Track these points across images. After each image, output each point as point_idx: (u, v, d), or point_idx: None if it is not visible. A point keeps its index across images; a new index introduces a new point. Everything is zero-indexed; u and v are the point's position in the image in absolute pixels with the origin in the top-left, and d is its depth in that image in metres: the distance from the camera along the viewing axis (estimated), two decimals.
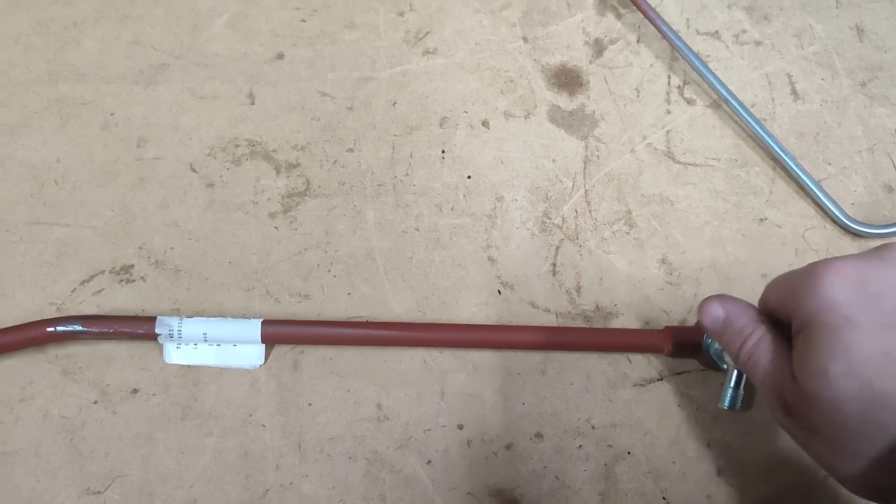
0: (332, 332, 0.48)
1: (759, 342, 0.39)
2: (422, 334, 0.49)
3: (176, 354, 0.48)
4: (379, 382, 0.49)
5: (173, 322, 0.47)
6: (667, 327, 0.49)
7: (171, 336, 0.47)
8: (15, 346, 0.47)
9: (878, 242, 0.54)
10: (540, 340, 0.48)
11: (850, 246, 0.55)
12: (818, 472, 0.47)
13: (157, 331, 0.47)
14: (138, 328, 0.47)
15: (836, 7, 0.67)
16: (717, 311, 0.41)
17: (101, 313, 0.50)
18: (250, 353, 0.48)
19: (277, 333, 0.48)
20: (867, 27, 0.66)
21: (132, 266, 0.52)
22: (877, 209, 0.57)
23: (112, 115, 0.57)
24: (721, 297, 0.42)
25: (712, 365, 0.47)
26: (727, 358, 0.43)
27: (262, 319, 0.48)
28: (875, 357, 0.32)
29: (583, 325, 0.51)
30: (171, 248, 0.53)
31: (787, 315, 0.38)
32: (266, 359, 0.49)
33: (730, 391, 0.43)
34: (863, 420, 0.33)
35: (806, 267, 0.36)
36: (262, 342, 0.48)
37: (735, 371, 0.43)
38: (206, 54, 0.61)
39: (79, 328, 0.46)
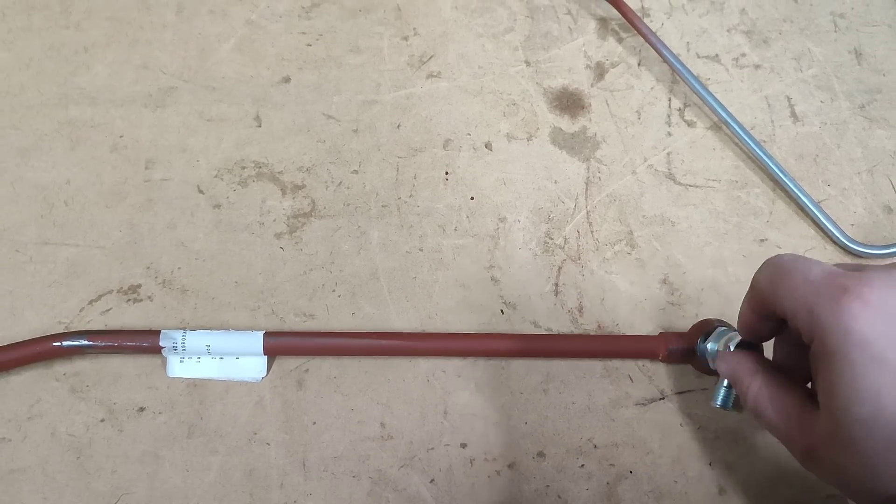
0: (332, 343, 0.49)
1: (758, 394, 0.39)
2: (420, 343, 0.49)
3: (179, 368, 0.48)
4: (383, 401, 0.49)
5: (177, 335, 0.48)
6: (662, 333, 0.50)
7: (174, 349, 0.48)
8: (23, 360, 0.47)
9: (877, 263, 0.54)
10: (536, 348, 0.49)
11: None
12: (821, 492, 0.47)
13: (161, 343, 0.47)
14: (143, 341, 0.47)
15: (835, 31, 0.68)
16: (721, 367, 0.43)
17: None
18: (253, 366, 0.49)
19: (279, 345, 0.48)
20: (865, 50, 0.67)
21: (139, 286, 0.53)
22: (876, 230, 0.57)
23: (121, 137, 0.58)
24: (725, 354, 0.43)
25: (706, 370, 0.48)
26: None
27: (264, 331, 0.48)
28: None
29: None
30: (178, 268, 0.54)
31: (798, 325, 0.36)
32: (268, 371, 0.49)
33: (722, 390, 0.44)
34: (892, 464, 0.32)
35: (827, 283, 0.34)
36: (265, 354, 0.48)
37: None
38: (214, 78, 0.62)
39: (84, 343, 0.47)
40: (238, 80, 0.62)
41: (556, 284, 0.54)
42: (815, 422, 0.35)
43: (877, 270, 0.34)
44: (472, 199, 0.58)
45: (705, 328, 0.48)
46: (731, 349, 0.44)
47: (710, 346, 0.46)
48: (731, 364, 0.42)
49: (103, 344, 0.48)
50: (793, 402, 0.37)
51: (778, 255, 0.39)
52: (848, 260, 0.56)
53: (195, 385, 0.49)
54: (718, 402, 0.44)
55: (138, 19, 0.65)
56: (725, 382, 0.44)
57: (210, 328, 0.51)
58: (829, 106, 0.63)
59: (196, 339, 0.48)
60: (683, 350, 0.48)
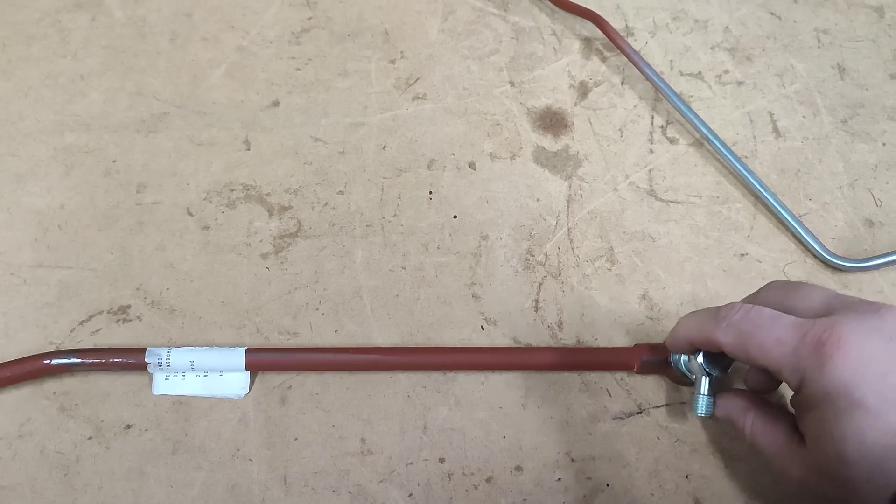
0: (311, 358, 0.50)
1: (753, 429, 0.43)
2: (398, 358, 0.50)
3: (165, 385, 0.50)
4: (363, 417, 0.50)
5: (162, 352, 0.49)
6: (636, 345, 0.50)
7: (160, 365, 0.49)
8: (13, 379, 0.49)
9: (858, 276, 0.55)
10: (510, 360, 0.50)
11: (830, 280, 0.56)
12: None
13: (146, 360, 0.49)
14: (129, 358, 0.49)
15: (818, 47, 0.68)
16: (718, 410, 0.46)
17: None
18: (236, 382, 0.50)
19: (260, 361, 0.50)
20: (848, 65, 0.67)
21: (129, 306, 0.54)
22: (857, 243, 0.58)
23: (114, 162, 0.60)
24: (719, 399, 0.46)
25: (681, 380, 0.48)
26: (693, 368, 0.46)
27: (246, 347, 0.50)
28: (885, 437, 0.34)
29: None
30: (167, 289, 0.55)
31: (781, 377, 0.39)
32: (251, 387, 0.50)
33: (702, 398, 0.46)
34: (877, 497, 0.35)
35: (802, 340, 0.37)
36: (247, 370, 0.49)
37: (705, 378, 0.45)
38: (205, 103, 0.64)
39: (73, 360, 0.49)
40: (228, 105, 0.64)
41: (537, 300, 0.55)
42: (803, 456, 0.39)
43: (846, 316, 0.37)
44: (454, 217, 0.59)
45: None
46: (706, 373, 0.45)
47: (683, 357, 0.47)
48: (724, 406, 0.45)
49: (91, 361, 0.49)
50: (780, 436, 0.41)
51: (727, 312, 0.41)
52: (828, 273, 0.56)
53: (180, 402, 0.51)
54: (700, 411, 0.45)
55: (133, 47, 0.67)
56: (703, 390, 0.45)
57: (202, 345, 0.52)
58: (812, 121, 0.64)
59: (180, 356, 0.49)
60: (657, 362, 0.49)
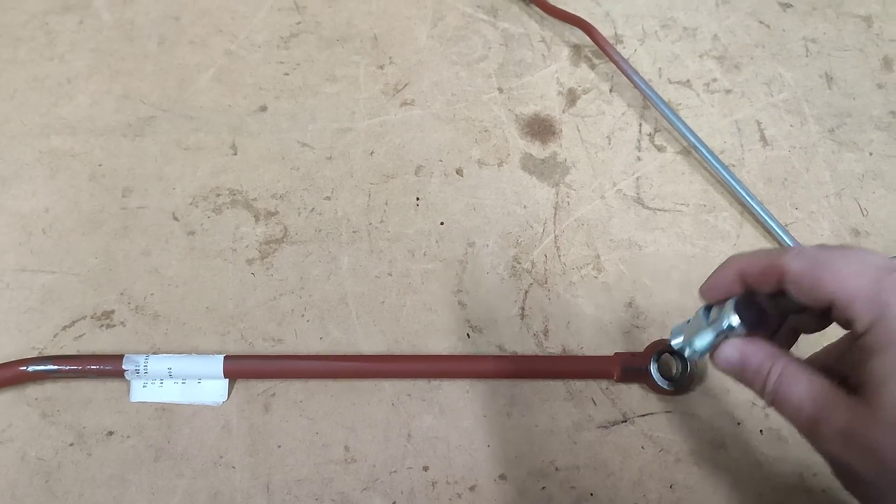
0: (291, 366, 0.50)
1: (781, 376, 0.37)
2: (381, 366, 0.50)
3: (142, 392, 0.49)
4: (347, 425, 0.50)
5: (140, 359, 0.49)
6: (616, 353, 0.51)
7: (137, 372, 0.49)
8: None
9: None
10: (492, 368, 0.50)
11: None
12: None
13: (124, 367, 0.49)
14: (106, 365, 0.49)
15: (807, 56, 0.69)
16: (730, 354, 0.39)
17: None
18: (214, 389, 0.50)
19: (239, 368, 0.50)
20: (836, 75, 0.67)
21: (113, 311, 0.54)
22: None
23: (100, 166, 0.60)
24: (734, 341, 0.40)
25: (660, 389, 0.49)
26: (713, 316, 0.41)
27: (224, 355, 0.49)
28: None
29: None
30: (151, 294, 0.55)
31: (850, 313, 0.35)
32: (229, 394, 0.50)
33: (708, 336, 0.40)
34: None
35: (890, 273, 0.34)
36: (225, 377, 0.49)
37: (728, 319, 0.39)
38: (192, 107, 0.63)
39: (51, 367, 0.49)
40: (215, 110, 0.64)
41: (523, 308, 0.55)
42: (853, 404, 0.34)
43: None
44: (441, 224, 0.58)
45: (658, 348, 0.49)
46: (730, 325, 0.39)
47: (697, 342, 0.41)
48: (743, 350, 0.39)
49: (69, 368, 0.49)
50: (823, 385, 0.36)
51: (807, 246, 0.38)
52: None
53: (163, 409, 0.50)
54: (699, 349, 0.40)
55: (121, 50, 0.67)
56: (712, 336, 0.40)
57: (177, 353, 0.52)
58: (799, 130, 0.64)
59: (158, 363, 0.49)
60: (637, 370, 0.49)
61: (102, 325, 0.53)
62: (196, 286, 0.55)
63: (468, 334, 0.54)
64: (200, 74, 0.65)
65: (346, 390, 0.51)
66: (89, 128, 0.62)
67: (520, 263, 0.57)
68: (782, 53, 0.69)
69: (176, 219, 0.58)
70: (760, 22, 0.71)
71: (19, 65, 0.65)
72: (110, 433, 0.50)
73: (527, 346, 0.53)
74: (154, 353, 0.51)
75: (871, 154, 0.63)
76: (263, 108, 0.64)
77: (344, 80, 0.66)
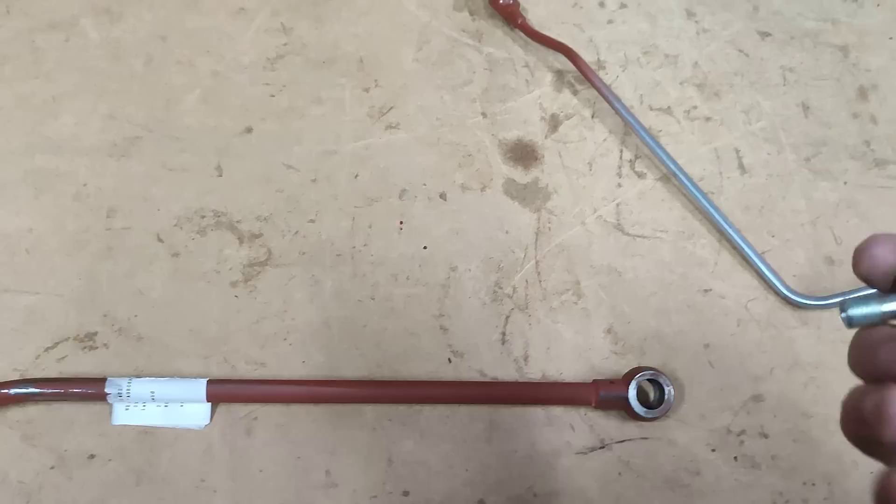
0: (273, 391, 0.51)
1: None
2: (361, 391, 0.51)
3: (125, 415, 0.50)
4: (329, 450, 0.51)
5: (122, 382, 0.49)
6: (594, 381, 0.51)
7: (119, 396, 0.49)
8: None
9: (817, 314, 0.56)
10: (471, 394, 0.51)
11: (790, 317, 0.57)
12: None
13: (106, 390, 0.49)
14: (89, 388, 0.49)
15: (784, 85, 0.70)
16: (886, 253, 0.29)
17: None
18: (197, 413, 0.50)
19: (222, 392, 0.50)
20: (813, 104, 0.69)
21: (96, 333, 0.54)
22: (817, 281, 0.59)
23: (85, 185, 0.60)
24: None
25: (638, 416, 0.50)
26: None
27: (207, 378, 0.50)
28: None
29: None
30: (135, 316, 0.55)
31: None
32: (212, 418, 0.51)
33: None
34: None
35: None
36: (208, 401, 0.50)
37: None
38: (178, 128, 0.64)
39: (32, 390, 0.49)
40: (201, 131, 0.64)
41: (504, 333, 0.56)
42: None
43: None
44: (424, 248, 0.59)
45: (635, 375, 0.50)
46: None
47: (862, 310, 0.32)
48: None
49: (50, 391, 0.49)
50: None
51: None
52: (788, 310, 0.58)
53: (145, 432, 0.51)
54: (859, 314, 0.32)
55: (107, 69, 0.67)
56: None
57: (161, 376, 0.52)
58: (776, 158, 0.65)
59: (141, 387, 0.49)
60: (615, 397, 0.50)
61: (85, 347, 0.54)
62: (180, 308, 0.55)
63: (449, 359, 0.54)
64: (186, 95, 0.66)
65: (327, 415, 0.52)
66: (74, 147, 0.62)
67: (501, 288, 0.58)
68: (760, 82, 0.70)
69: (160, 240, 0.58)
70: (740, 50, 0.72)
71: (4, 83, 0.65)
72: (92, 456, 0.50)
73: (507, 372, 0.54)
74: (137, 376, 0.51)
75: (845, 183, 0.64)
76: (249, 130, 0.64)
77: (329, 102, 0.66)
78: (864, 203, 0.63)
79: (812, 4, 0.75)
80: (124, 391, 0.49)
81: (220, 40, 0.69)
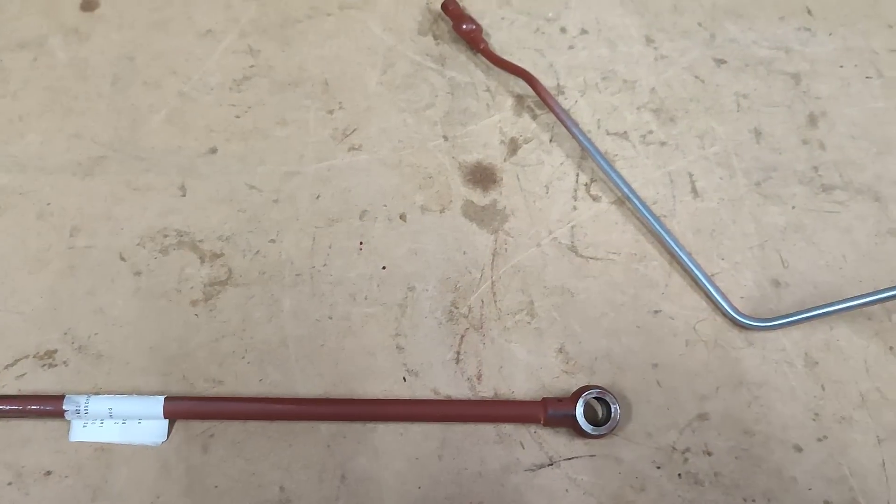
0: (229, 408, 0.52)
1: None
2: (313, 408, 0.53)
3: (82, 432, 0.51)
4: (283, 466, 0.52)
5: (80, 399, 0.50)
6: (543, 399, 0.53)
7: (77, 413, 0.50)
8: None
9: (762, 335, 0.58)
10: (425, 412, 0.52)
11: (736, 338, 0.59)
12: None
13: (64, 407, 0.50)
14: (46, 405, 0.50)
15: (737, 111, 0.72)
16: None
17: None
18: (154, 430, 0.51)
19: (179, 409, 0.51)
20: (765, 130, 0.71)
21: (56, 351, 0.55)
22: (764, 303, 0.61)
23: (48, 205, 0.61)
24: None
25: (585, 434, 0.52)
26: None
27: (164, 396, 0.51)
28: None
29: None
30: (95, 334, 0.56)
31: None
32: (169, 435, 0.51)
33: None
34: None
35: None
36: (165, 418, 0.51)
37: None
38: (143, 148, 0.65)
39: None
40: (166, 151, 0.65)
41: (458, 352, 0.57)
42: None
43: None
44: (383, 268, 0.61)
45: (582, 393, 0.52)
46: None
47: None
48: None
49: (8, 408, 0.50)
50: None
51: None
52: (735, 331, 0.59)
53: (102, 449, 0.52)
54: None
55: (74, 89, 0.68)
56: None
57: (120, 393, 0.53)
58: (728, 182, 0.67)
59: (99, 404, 0.50)
60: (563, 415, 0.52)
61: (45, 365, 0.54)
62: (140, 326, 0.56)
63: (404, 378, 0.56)
64: (153, 115, 0.67)
65: (283, 432, 0.53)
66: (39, 166, 0.63)
67: (457, 308, 0.59)
68: (715, 108, 0.72)
69: (123, 259, 0.59)
70: (696, 77, 0.74)
71: None
72: (48, 473, 0.51)
73: (460, 390, 0.56)
74: (95, 394, 0.52)
75: (793, 207, 0.66)
76: (214, 151, 0.65)
77: (294, 123, 0.68)
78: (810, 227, 0.65)
79: (767, 33, 0.77)
80: (82, 408, 0.50)
81: (188, 61, 0.71)
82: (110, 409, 0.50)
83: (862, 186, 0.67)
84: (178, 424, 0.53)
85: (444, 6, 0.75)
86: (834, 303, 0.58)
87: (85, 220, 0.61)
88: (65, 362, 0.55)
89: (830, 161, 0.69)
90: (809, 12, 0.79)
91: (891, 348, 0.59)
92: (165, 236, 0.61)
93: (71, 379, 0.54)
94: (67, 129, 0.66)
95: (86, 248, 0.59)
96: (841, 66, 0.75)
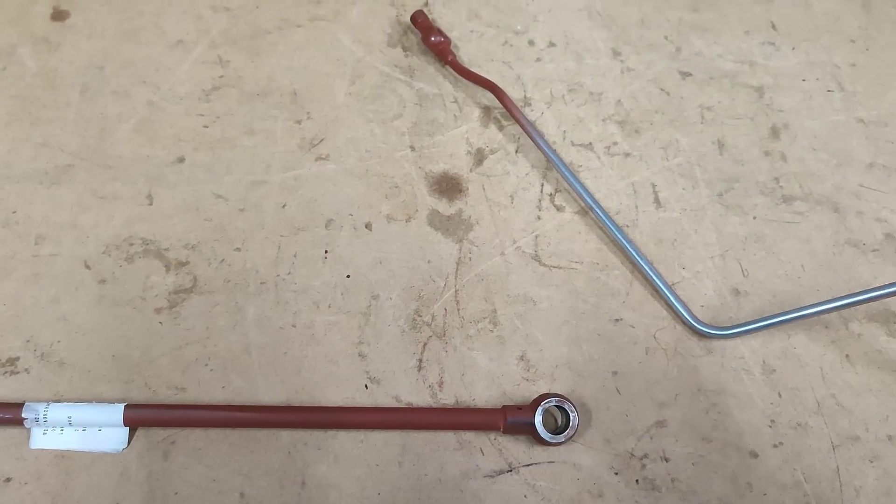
0: (190, 415, 0.52)
1: None
2: (274, 415, 0.53)
3: (42, 440, 0.51)
4: (244, 472, 0.52)
5: (39, 407, 0.50)
6: (503, 406, 0.53)
7: (37, 420, 0.50)
8: None
9: (721, 343, 0.59)
10: (385, 420, 0.53)
11: (696, 346, 0.60)
12: None
13: (23, 415, 0.50)
14: (6, 413, 0.50)
15: (702, 123, 0.73)
16: None
17: None
18: (114, 437, 0.51)
19: (139, 416, 0.51)
20: (727, 142, 0.72)
21: (17, 358, 0.55)
22: (724, 311, 0.62)
23: (14, 212, 0.61)
24: None
25: (544, 441, 0.52)
26: None
27: (125, 403, 0.51)
28: None
29: None
30: (58, 342, 0.56)
31: None
32: (129, 442, 0.52)
33: None
34: None
35: None
36: (125, 425, 0.51)
37: None
38: (111, 157, 0.65)
39: None
40: (134, 160, 0.65)
41: (421, 360, 0.58)
42: None
43: None
44: (348, 277, 0.61)
45: (542, 401, 0.52)
46: None
47: None
48: None
49: None
50: None
51: None
52: (695, 340, 0.60)
53: (63, 456, 0.52)
54: None
55: (42, 98, 0.68)
56: None
57: (81, 401, 0.53)
58: (690, 193, 0.69)
59: (58, 412, 0.50)
60: (522, 422, 0.52)
61: (6, 372, 0.54)
62: (103, 334, 0.57)
63: (366, 385, 0.56)
64: (121, 124, 0.67)
65: (244, 439, 0.53)
66: (5, 174, 0.63)
67: (420, 316, 0.60)
68: (679, 120, 0.73)
69: (88, 267, 0.60)
70: (661, 89, 0.75)
71: None
72: (8, 480, 0.51)
73: (422, 398, 0.56)
74: (56, 401, 0.52)
75: (754, 218, 0.67)
76: (181, 160, 0.66)
77: (262, 133, 0.68)
78: (770, 236, 0.66)
79: (731, 47, 0.79)
80: (41, 416, 0.50)
81: (158, 71, 0.71)
82: (70, 416, 0.50)
83: (821, 197, 0.68)
84: (140, 431, 0.53)
85: (413, 19, 0.76)
86: (791, 311, 0.59)
87: (50, 228, 0.61)
88: (27, 370, 0.55)
89: (791, 172, 0.70)
90: (774, 27, 0.80)
91: (847, 356, 0.60)
92: (131, 244, 0.61)
93: (33, 386, 0.54)
94: (35, 138, 0.66)
95: (50, 255, 0.60)
96: (803, 80, 0.77)
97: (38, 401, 0.53)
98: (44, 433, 0.51)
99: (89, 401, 0.53)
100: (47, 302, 0.58)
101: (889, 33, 0.80)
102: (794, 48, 0.79)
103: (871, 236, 0.66)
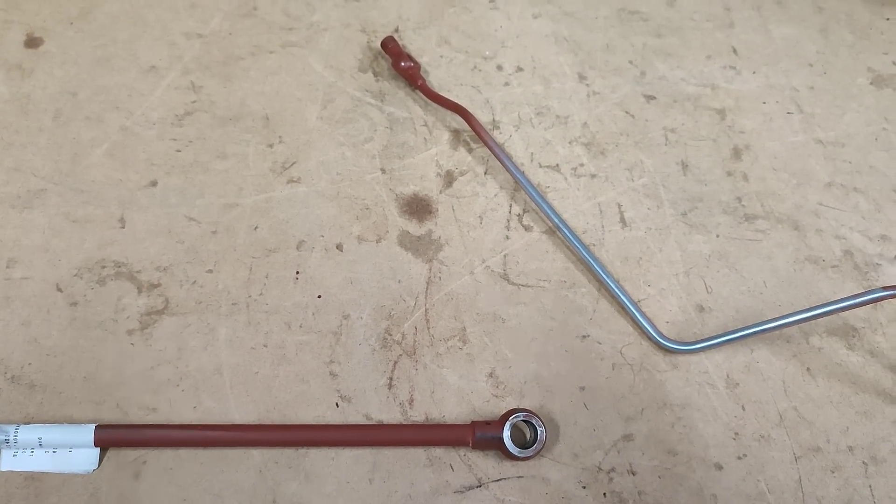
0: (161, 435, 0.52)
1: None
2: (245, 435, 0.54)
3: (12, 461, 0.51)
4: (215, 492, 0.52)
5: (9, 429, 0.50)
6: (473, 422, 0.54)
7: (7, 442, 0.50)
8: None
9: (686, 358, 0.60)
10: (355, 437, 0.53)
11: (661, 361, 0.61)
12: None
13: None
14: None
15: (666, 144, 0.75)
16: None
17: None
18: (85, 458, 0.51)
19: (110, 437, 0.52)
20: (691, 162, 0.74)
21: None
22: (688, 327, 0.63)
23: None
24: None
25: (512, 455, 0.53)
26: None
27: (95, 424, 0.51)
28: None
29: None
30: (29, 364, 0.56)
31: None
32: (100, 463, 0.52)
33: None
34: None
35: None
36: (96, 446, 0.51)
37: None
38: (84, 181, 0.66)
39: None
40: (107, 184, 0.66)
41: (391, 378, 0.58)
42: None
43: None
44: (319, 297, 0.62)
45: (510, 416, 0.53)
46: None
47: None
48: None
49: None
50: None
51: None
52: (660, 355, 0.61)
53: (32, 478, 0.52)
54: None
55: (15, 123, 0.69)
56: None
57: (52, 422, 0.53)
58: (655, 212, 0.70)
59: (28, 433, 0.51)
60: (491, 437, 0.53)
61: None
62: (74, 356, 0.57)
63: (337, 404, 0.57)
64: (94, 149, 0.68)
65: (215, 458, 0.54)
66: None
67: (391, 335, 0.60)
68: (644, 142, 0.75)
69: (59, 290, 0.60)
70: (626, 112, 0.77)
71: None
72: None
73: (392, 415, 0.57)
74: (26, 423, 0.52)
75: (717, 236, 0.69)
76: (154, 184, 0.67)
77: (234, 157, 0.69)
78: (733, 254, 0.68)
79: (694, 71, 0.81)
80: (11, 437, 0.51)
81: (131, 96, 0.72)
82: (40, 438, 0.51)
83: (782, 216, 0.70)
84: (111, 453, 0.53)
85: (383, 44, 0.77)
86: (754, 325, 0.61)
87: (22, 251, 0.61)
88: None
89: (753, 192, 0.72)
90: (735, 52, 0.83)
91: (808, 369, 0.61)
92: (103, 267, 0.61)
93: (2, 409, 0.54)
94: (6, 163, 0.66)
95: (22, 279, 0.60)
96: (764, 103, 0.79)
97: (8, 423, 0.53)
98: (14, 455, 0.51)
99: (61, 422, 0.53)
100: (18, 325, 0.58)
101: (845, 57, 0.83)
102: (754, 72, 0.81)
103: (831, 253, 0.68)
